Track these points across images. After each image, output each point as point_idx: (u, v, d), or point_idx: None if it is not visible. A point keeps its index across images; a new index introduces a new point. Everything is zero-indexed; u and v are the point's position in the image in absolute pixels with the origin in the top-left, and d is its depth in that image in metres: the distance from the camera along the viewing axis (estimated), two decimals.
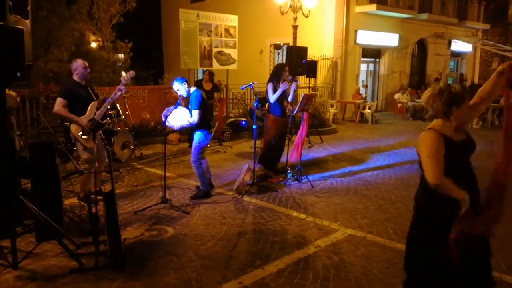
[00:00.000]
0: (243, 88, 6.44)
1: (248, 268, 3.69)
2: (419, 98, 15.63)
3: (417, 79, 18.67)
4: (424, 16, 16.76)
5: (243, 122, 10.44)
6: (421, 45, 18.51)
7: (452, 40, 19.47)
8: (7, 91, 5.27)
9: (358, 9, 14.70)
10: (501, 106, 13.25)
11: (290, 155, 6.54)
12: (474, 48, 21.62)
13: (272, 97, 6.20)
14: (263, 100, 7.29)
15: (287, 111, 7.00)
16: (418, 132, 2.71)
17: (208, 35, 11.25)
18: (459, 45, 20.17)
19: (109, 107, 5.17)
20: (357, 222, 4.83)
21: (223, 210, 5.16)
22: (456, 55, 21.11)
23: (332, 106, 13.90)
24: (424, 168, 2.46)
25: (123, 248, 3.78)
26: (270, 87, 6.30)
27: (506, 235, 4.21)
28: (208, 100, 6.54)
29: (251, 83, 5.97)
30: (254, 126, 5.95)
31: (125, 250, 3.85)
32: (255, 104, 5.84)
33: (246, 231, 4.52)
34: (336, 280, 3.49)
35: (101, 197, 4.44)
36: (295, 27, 11.21)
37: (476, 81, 21.56)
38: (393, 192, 5.97)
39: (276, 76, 6.36)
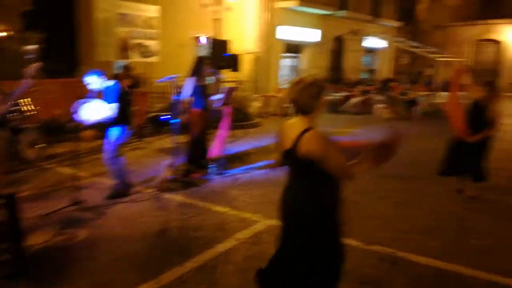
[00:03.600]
0: (161, 81, 6.25)
1: (166, 267, 3.60)
2: (337, 93, 16.37)
3: (335, 74, 19.54)
4: (343, 13, 17.53)
5: (165, 117, 10.15)
6: (339, 41, 19.38)
7: (367, 36, 20.63)
8: None
9: (280, 4, 14.98)
10: (409, 99, 14.34)
11: (212, 149, 6.48)
12: (387, 45, 23.11)
13: (185, 92, 6.09)
14: None
15: (210, 105, 6.92)
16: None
17: (127, 26, 10.76)
18: (373, 42, 21.43)
19: (14, 102, 4.72)
20: (277, 212, 4.91)
21: (142, 209, 4.97)
22: (370, 51, 22.41)
23: (256, 100, 14.04)
24: (335, 170, 2.27)
25: (29, 254, 3.48)
26: (189, 81, 6.18)
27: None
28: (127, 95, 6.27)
29: (171, 76, 5.81)
30: (175, 121, 5.80)
31: (34, 256, 3.56)
32: (176, 98, 5.69)
33: (166, 229, 4.40)
34: None
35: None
36: (217, 20, 11.13)
37: (390, 76, 23.09)
38: None
39: (196, 70, 6.25)
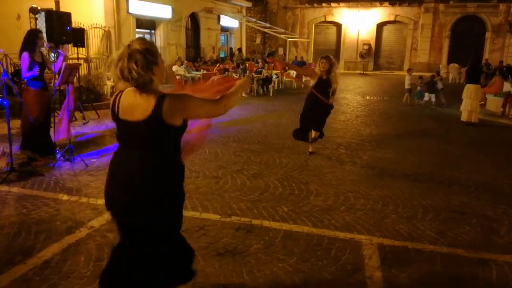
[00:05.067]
0: None
1: (5, 267, 3.18)
2: (196, 70, 16.36)
3: (193, 52, 19.46)
4: None
5: None
6: (194, 19, 19.25)
7: (221, 15, 20.92)
8: None
9: None
10: (264, 78, 15.11)
11: (56, 133, 5.88)
12: (240, 24, 23.82)
13: (24, 71, 5.39)
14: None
15: (50, 83, 6.24)
16: None
17: None
18: (228, 21, 21.85)
19: None
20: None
21: None
22: (226, 30, 22.84)
23: (109, 78, 13.14)
24: (208, 112, 2.35)
25: None
26: (24, 58, 5.44)
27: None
28: None
29: None
30: (5, 103, 5.06)
31: None
32: (3, 76, 4.96)
33: (3, 226, 3.88)
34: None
35: None
36: None
37: (244, 55, 23.94)
38: None
39: (30, 45, 5.52)
